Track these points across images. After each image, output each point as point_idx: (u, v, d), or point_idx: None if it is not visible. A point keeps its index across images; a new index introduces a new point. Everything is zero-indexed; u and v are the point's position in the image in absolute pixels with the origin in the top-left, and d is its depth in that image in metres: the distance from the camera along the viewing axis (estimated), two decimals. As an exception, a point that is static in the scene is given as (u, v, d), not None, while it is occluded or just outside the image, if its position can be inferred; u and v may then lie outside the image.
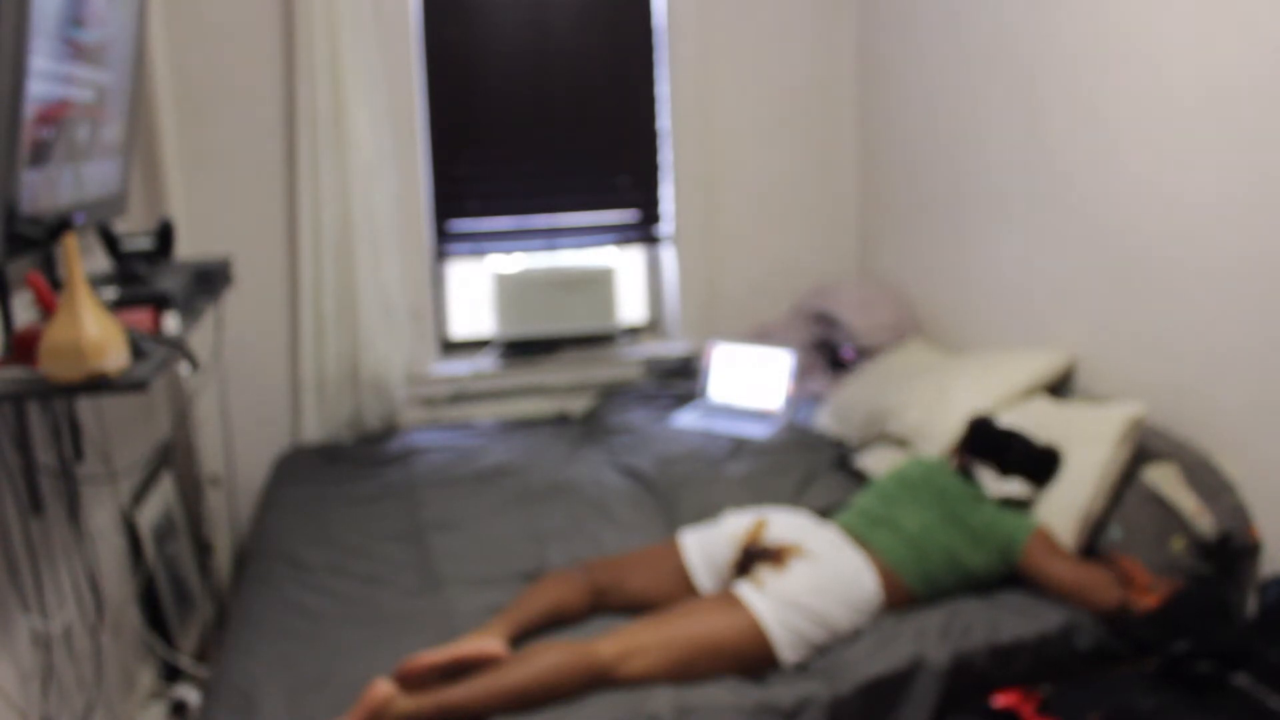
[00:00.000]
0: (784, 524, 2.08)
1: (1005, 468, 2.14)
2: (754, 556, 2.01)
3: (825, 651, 1.88)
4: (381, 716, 1.64)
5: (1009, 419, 2.30)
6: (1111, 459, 2.07)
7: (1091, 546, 2.10)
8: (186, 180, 2.98)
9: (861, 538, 2.07)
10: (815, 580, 1.92)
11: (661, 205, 3.46)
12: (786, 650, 1.85)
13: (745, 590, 1.90)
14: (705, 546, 2.10)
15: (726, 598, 1.90)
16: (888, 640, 1.86)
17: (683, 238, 3.43)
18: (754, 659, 1.83)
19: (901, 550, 2.03)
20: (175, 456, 3.02)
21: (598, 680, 1.73)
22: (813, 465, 2.67)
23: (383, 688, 1.66)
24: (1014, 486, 2.13)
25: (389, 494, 2.66)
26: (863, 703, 1.76)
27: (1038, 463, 2.14)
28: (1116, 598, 1.91)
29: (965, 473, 2.18)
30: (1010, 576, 2.04)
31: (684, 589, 2.05)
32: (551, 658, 1.73)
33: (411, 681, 1.70)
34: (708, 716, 1.68)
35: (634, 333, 3.54)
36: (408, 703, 1.67)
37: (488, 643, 1.75)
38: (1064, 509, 2.08)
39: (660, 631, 1.81)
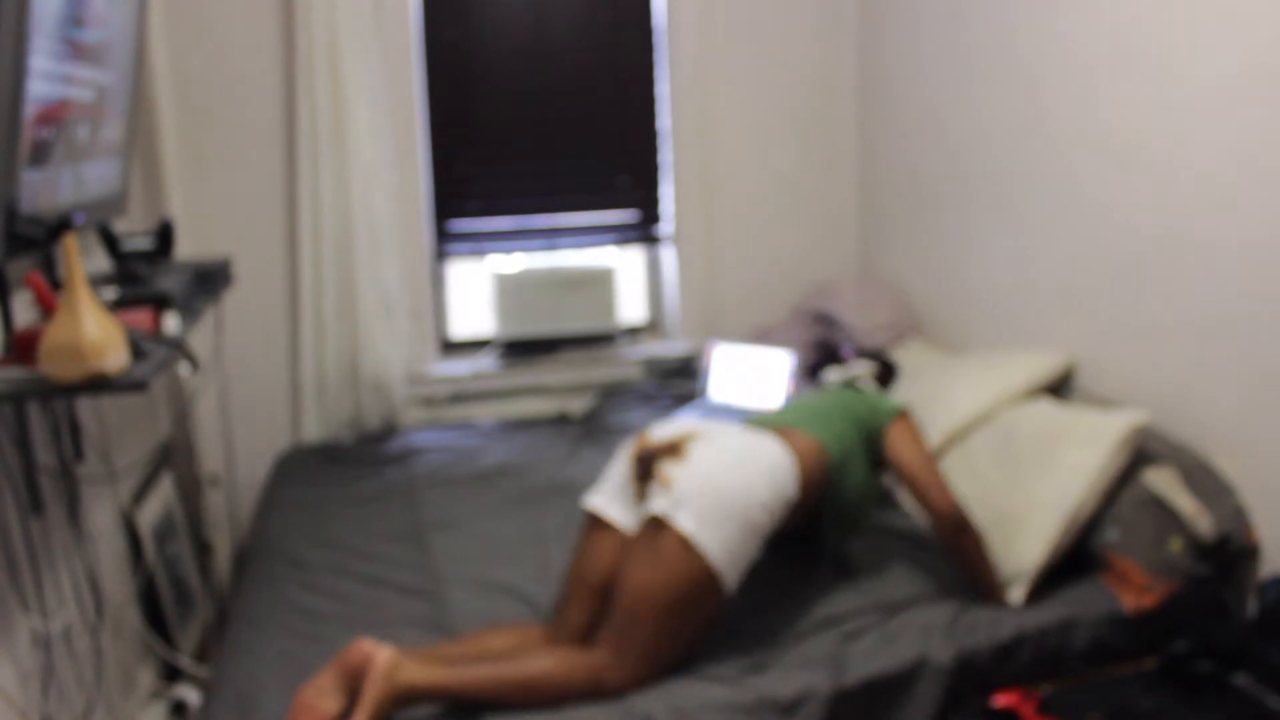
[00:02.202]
0: (667, 427, 1.98)
1: (843, 362, 2.45)
2: (650, 460, 1.89)
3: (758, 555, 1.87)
4: (390, 680, 1.63)
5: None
6: (1107, 462, 2.07)
7: (1084, 547, 2.10)
8: (186, 180, 2.98)
9: (758, 424, 2.10)
10: (721, 455, 1.86)
11: (661, 205, 3.46)
12: (723, 562, 1.77)
13: (658, 504, 1.80)
14: (611, 491, 1.95)
15: (645, 537, 1.81)
16: (892, 637, 1.86)
17: (683, 238, 3.43)
18: (701, 594, 1.77)
19: (804, 414, 2.11)
20: (175, 456, 3.02)
21: (595, 692, 1.71)
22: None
23: (385, 654, 1.65)
24: (858, 367, 2.41)
25: (389, 494, 2.66)
26: (865, 700, 1.76)
27: (872, 355, 2.47)
28: (953, 504, 1.99)
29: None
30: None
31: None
32: (560, 659, 1.72)
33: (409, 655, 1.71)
34: (705, 716, 1.68)
35: (634, 333, 3.54)
36: (413, 673, 1.66)
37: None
38: (1051, 506, 2.07)
39: (629, 632, 1.75)
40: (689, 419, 2.10)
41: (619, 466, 1.97)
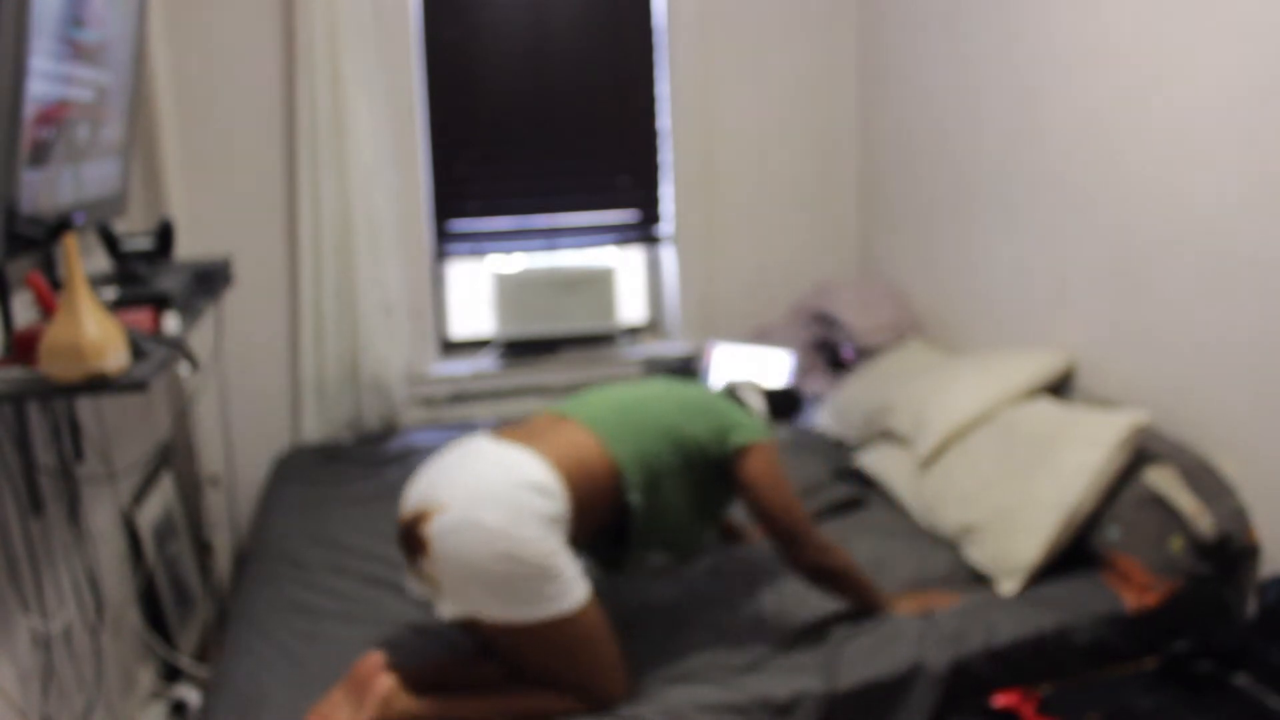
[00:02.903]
0: (407, 501, 1.75)
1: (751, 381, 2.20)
2: (409, 540, 1.71)
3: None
4: (387, 707, 1.65)
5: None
6: (1107, 463, 2.07)
7: (1084, 546, 2.10)
8: (186, 180, 2.98)
9: (556, 414, 1.88)
10: (459, 537, 1.63)
11: (661, 205, 3.46)
12: (550, 610, 1.65)
13: (448, 609, 1.69)
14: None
15: (473, 631, 1.73)
16: (887, 642, 1.86)
17: (683, 238, 3.43)
18: (559, 632, 1.67)
19: (615, 422, 1.84)
20: (175, 456, 3.02)
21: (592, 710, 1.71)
22: (813, 466, 2.66)
23: (385, 681, 1.67)
24: (748, 392, 2.14)
25: (389, 494, 2.65)
26: (858, 703, 1.75)
27: (776, 397, 2.19)
28: (811, 558, 1.85)
29: None
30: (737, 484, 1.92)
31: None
32: (553, 698, 1.71)
33: (407, 680, 1.71)
34: (698, 717, 1.68)
35: (634, 333, 3.54)
36: (408, 703, 1.67)
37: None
38: (1050, 504, 2.07)
39: (568, 681, 1.70)
40: (428, 474, 1.77)
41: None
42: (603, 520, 1.83)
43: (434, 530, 1.66)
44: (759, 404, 2.14)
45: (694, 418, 1.91)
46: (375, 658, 1.72)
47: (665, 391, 1.98)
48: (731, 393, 2.14)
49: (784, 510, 1.88)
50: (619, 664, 1.74)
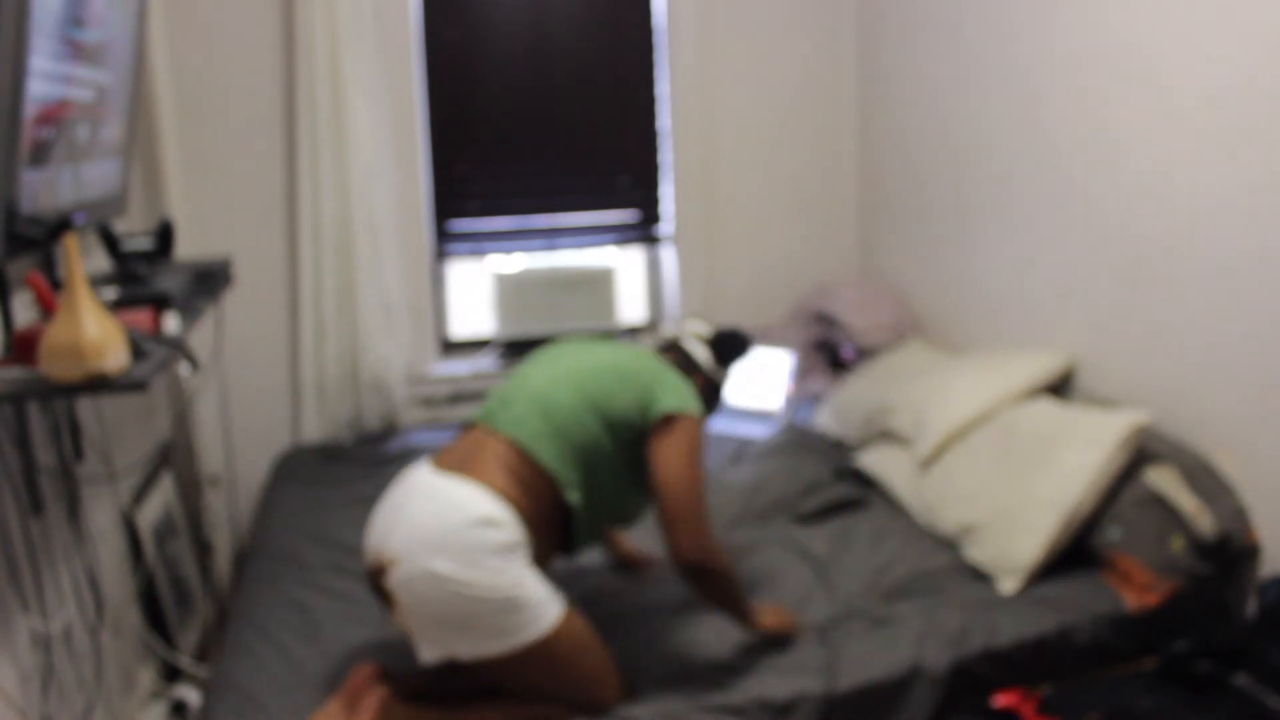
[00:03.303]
0: (373, 537, 1.73)
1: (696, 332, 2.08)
2: (379, 599, 1.73)
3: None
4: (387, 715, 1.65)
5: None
6: (1107, 462, 2.07)
7: (1084, 546, 2.10)
8: (186, 180, 2.98)
9: (485, 428, 1.81)
10: (415, 586, 1.62)
11: (661, 205, 3.46)
12: (521, 638, 1.63)
13: (426, 651, 1.67)
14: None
15: (466, 677, 1.73)
16: (888, 643, 1.86)
17: (683, 238, 3.43)
18: (541, 652, 1.65)
19: (521, 412, 1.79)
20: (175, 456, 3.02)
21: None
22: (814, 466, 2.66)
23: (379, 693, 1.67)
24: (691, 326, 2.07)
25: (389, 494, 2.66)
26: (858, 704, 1.75)
27: (722, 340, 2.06)
28: (696, 547, 1.71)
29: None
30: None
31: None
32: (551, 705, 1.71)
33: (404, 689, 1.71)
34: (696, 718, 1.68)
35: (634, 333, 3.54)
36: (404, 715, 1.67)
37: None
38: (1050, 503, 2.08)
39: (568, 692, 1.70)
40: (380, 520, 1.74)
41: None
42: (554, 524, 1.79)
43: (393, 584, 1.64)
44: (703, 353, 2.03)
45: (619, 387, 1.82)
46: (368, 668, 1.72)
47: (591, 359, 1.88)
48: (674, 344, 2.05)
49: (682, 490, 1.73)
50: (609, 671, 1.72)
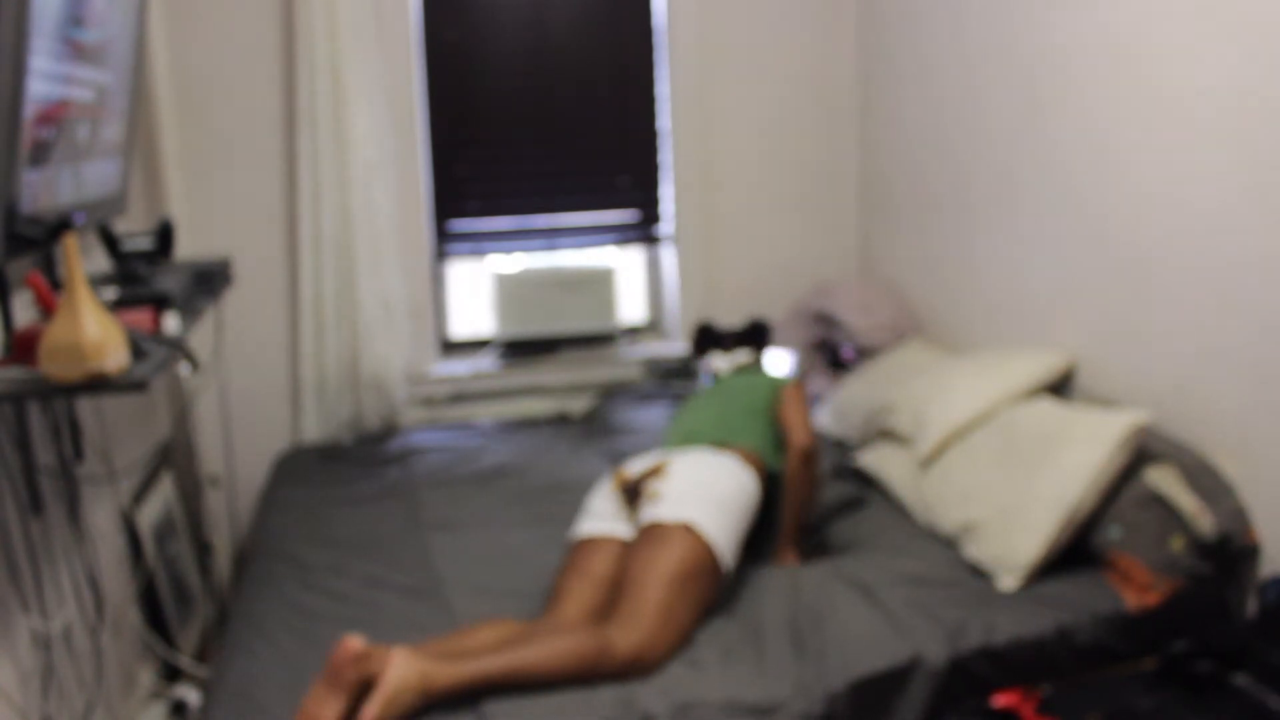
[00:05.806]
0: (642, 459, 2.25)
1: (727, 348, 2.67)
2: (635, 487, 2.15)
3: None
4: (429, 687, 1.65)
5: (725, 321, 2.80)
6: (1107, 461, 2.07)
7: (1085, 546, 2.10)
8: (186, 180, 2.98)
9: (697, 436, 2.31)
10: (695, 469, 2.12)
11: (661, 205, 3.46)
12: (721, 541, 1.98)
13: (652, 513, 2.01)
14: (598, 518, 2.14)
15: (645, 535, 1.98)
16: (887, 636, 1.86)
17: (683, 238, 3.43)
18: (704, 570, 1.94)
19: (730, 423, 2.32)
20: (175, 456, 3.02)
21: (607, 660, 1.74)
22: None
23: (400, 656, 1.66)
24: (741, 355, 2.64)
25: (389, 494, 2.66)
26: (857, 696, 1.76)
27: (749, 334, 2.68)
28: (812, 437, 2.23)
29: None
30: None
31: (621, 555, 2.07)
32: (568, 640, 1.74)
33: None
34: (704, 713, 1.68)
35: (634, 333, 3.54)
36: (449, 672, 1.66)
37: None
38: (1050, 503, 2.07)
39: (637, 598, 1.86)
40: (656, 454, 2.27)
41: (599, 500, 2.19)
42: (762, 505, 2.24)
43: (674, 467, 2.10)
44: (748, 355, 2.66)
45: (756, 387, 2.43)
46: (351, 639, 1.68)
47: (730, 386, 2.49)
48: (745, 370, 2.60)
49: (804, 414, 2.30)
50: (683, 636, 1.86)
